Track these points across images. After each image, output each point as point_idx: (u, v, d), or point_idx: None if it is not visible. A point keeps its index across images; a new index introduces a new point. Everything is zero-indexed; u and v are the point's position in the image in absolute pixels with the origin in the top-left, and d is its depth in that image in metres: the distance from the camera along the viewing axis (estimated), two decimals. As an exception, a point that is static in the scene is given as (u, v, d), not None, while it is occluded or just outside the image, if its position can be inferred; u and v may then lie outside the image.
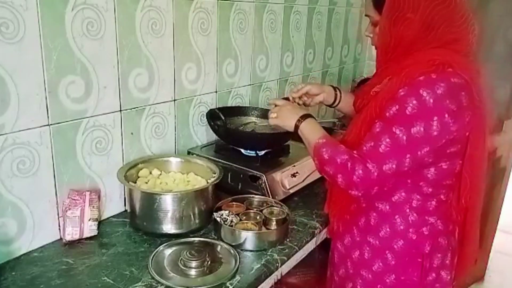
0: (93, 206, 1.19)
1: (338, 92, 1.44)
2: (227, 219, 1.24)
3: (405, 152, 0.97)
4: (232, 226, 1.21)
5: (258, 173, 1.38)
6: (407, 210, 1.09)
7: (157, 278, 1.03)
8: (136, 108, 1.35)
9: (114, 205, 1.35)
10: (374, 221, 1.13)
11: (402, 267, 1.11)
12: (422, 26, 0.99)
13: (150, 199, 1.21)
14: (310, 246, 1.33)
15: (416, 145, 0.97)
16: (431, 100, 0.94)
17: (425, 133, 0.95)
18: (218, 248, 1.18)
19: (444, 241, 1.12)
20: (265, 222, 1.25)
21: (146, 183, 1.32)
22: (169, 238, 1.20)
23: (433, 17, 0.98)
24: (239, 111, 1.70)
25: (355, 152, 1.02)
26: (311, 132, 1.16)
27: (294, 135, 1.22)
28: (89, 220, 1.18)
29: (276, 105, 1.29)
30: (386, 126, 0.99)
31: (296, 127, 1.18)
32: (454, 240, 1.16)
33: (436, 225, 1.10)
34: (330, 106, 1.48)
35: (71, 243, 1.18)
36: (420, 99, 0.95)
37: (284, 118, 1.23)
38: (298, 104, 1.41)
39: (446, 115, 0.95)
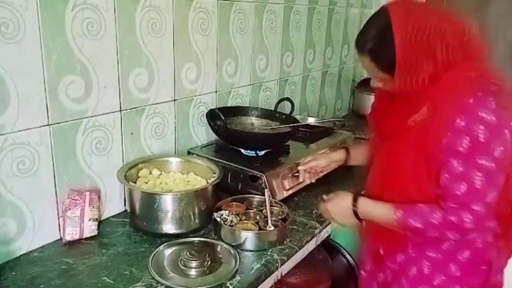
0: (93, 206, 1.19)
1: (347, 154, 1.39)
2: (227, 219, 1.24)
3: (498, 175, 0.96)
4: (232, 226, 1.21)
5: (258, 173, 1.38)
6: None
7: (157, 278, 1.03)
8: (136, 108, 1.35)
9: (114, 205, 1.35)
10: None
11: (467, 277, 1.08)
12: (441, 61, 0.96)
13: (150, 199, 1.21)
14: (310, 246, 1.33)
15: (504, 163, 0.95)
16: (494, 118, 0.92)
17: (505, 148, 0.94)
18: (218, 248, 1.18)
19: (502, 244, 1.09)
20: (265, 222, 1.25)
21: (146, 183, 1.32)
22: (169, 238, 1.20)
23: (453, 45, 0.96)
24: (239, 111, 1.70)
25: (450, 202, 0.98)
26: (378, 212, 1.09)
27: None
28: (89, 220, 1.18)
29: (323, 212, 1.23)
30: (469, 161, 0.95)
31: (356, 214, 1.12)
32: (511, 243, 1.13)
33: (496, 230, 1.05)
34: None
35: (71, 243, 1.18)
36: (483, 121, 0.92)
37: (341, 217, 1.18)
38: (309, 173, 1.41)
39: (511, 122, 0.95)
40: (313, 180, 1.44)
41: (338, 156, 1.40)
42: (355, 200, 1.12)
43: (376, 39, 1.00)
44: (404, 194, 1.05)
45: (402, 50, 0.96)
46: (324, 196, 1.23)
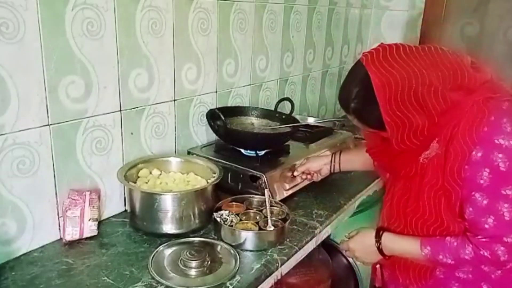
0: (93, 206, 1.19)
1: (334, 158, 1.41)
2: (227, 219, 1.24)
3: None
4: (232, 226, 1.21)
5: (258, 173, 1.38)
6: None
7: (157, 278, 1.03)
8: (136, 108, 1.35)
9: (114, 205, 1.35)
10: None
11: None
12: (437, 110, 0.92)
13: (150, 199, 1.21)
14: (310, 246, 1.32)
15: None
16: (511, 142, 0.90)
17: None
18: (218, 248, 1.18)
19: None
20: (265, 222, 1.25)
21: (146, 183, 1.32)
22: (169, 238, 1.20)
23: (441, 97, 0.91)
24: (239, 111, 1.70)
25: (479, 236, 0.95)
26: (404, 248, 1.06)
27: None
28: (89, 220, 1.18)
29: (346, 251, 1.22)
30: (493, 193, 0.92)
31: (380, 250, 1.10)
32: None
33: None
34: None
35: (71, 243, 1.18)
36: (501, 148, 0.90)
37: (365, 255, 1.16)
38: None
39: None
40: (311, 180, 1.44)
41: (327, 159, 1.41)
42: (378, 236, 1.10)
43: (358, 100, 0.96)
44: (426, 229, 1.03)
45: (387, 111, 0.92)
46: (346, 234, 1.22)
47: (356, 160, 1.38)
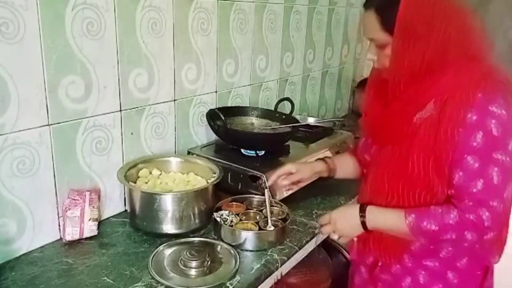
0: (93, 206, 1.19)
1: (327, 165, 1.35)
2: (227, 219, 1.24)
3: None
4: (232, 226, 1.21)
5: (258, 173, 1.38)
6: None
7: (157, 278, 1.03)
8: (136, 108, 1.35)
9: (114, 205, 1.35)
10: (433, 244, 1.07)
11: (464, 284, 1.07)
12: (442, 40, 0.94)
13: (150, 199, 1.21)
14: (310, 246, 1.32)
15: None
16: (504, 112, 0.92)
17: None
18: (218, 248, 1.18)
19: (496, 248, 1.06)
20: (265, 222, 1.25)
21: (146, 183, 1.32)
22: (169, 238, 1.20)
23: (450, 28, 0.94)
24: (239, 111, 1.69)
25: (466, 201, 0.95)
26: (388, 219, 1.04)
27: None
28: (89, 220, 1.18)
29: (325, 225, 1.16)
30: (484, 156, 0.93)
31: (364, 224, 1.07)
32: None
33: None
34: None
35: (71, 243, 1.18)
36: (495, 115, 0.91)
37: (348, 232, 1.12)
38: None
39: None
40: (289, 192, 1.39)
41: (319, 167, 1.35)
42: (362, 211, 1.07)
43: None
44: (416, 199, 1.01)
45: (404, 10, 0.94)
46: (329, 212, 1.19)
47: (347, 166, 1.36)
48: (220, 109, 1.56)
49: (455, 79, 0.96)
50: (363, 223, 1.07)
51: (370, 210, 1.07)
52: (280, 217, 1.27)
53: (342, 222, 1.12)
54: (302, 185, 1.41)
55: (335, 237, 1.14)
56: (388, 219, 1.04)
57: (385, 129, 1.09)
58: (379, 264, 1.16)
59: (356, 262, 1.25)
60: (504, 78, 0.97)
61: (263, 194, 1.30)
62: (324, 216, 1.17)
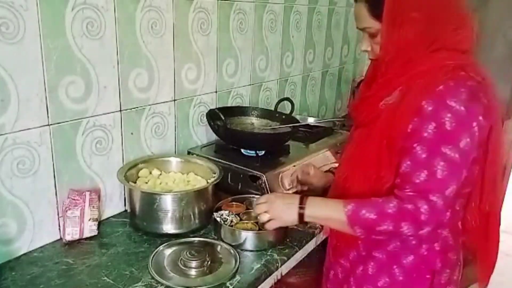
0: (93, 206, 1.19)
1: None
2: (227, 219, 1.24)
3: (461, 168, 0.92)
4: (232, 226, 1.21)
5: (258, 173, 1.38)
6: None
7: (157, 278, 1.03)
8: (136, 108, 1.35)
9: (114, 205, 1.35)
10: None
11: (410, 283, 1.05)
12: (427, 24, 0.94)
13: (150, 199, 1.21)
14: (310, 246, 1.32)
15: (468, 157, 0.92)
16: (462, 108, 0.89)
17: (472, 141, 0.91)
18: (218, 248, 1.18)
19: (453, 256, 1.06)
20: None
21: (146, 183, 1.32)
22: (169, 238, 1.20)
23: (437, 14, 0.93)
24: (239, 111, 1.69)
25: (407, 190, 0.93)
26: (325, 207, 1.03)
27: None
28: (89, 220, 1.18)
29: (261, 203, 1.11)
30: (433, 148, 0.91)
31: (301, 216, 1.04)
32: (462, 254, 1.10)
33: (448, 239, 1.04)
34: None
35: (71, 243, 1.18)
36: (451, 110, 0.89)
37: (281, 215, 1.07)
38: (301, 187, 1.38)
39: (481, 117, 0.91)
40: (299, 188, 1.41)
41: (330, 181, 1.31)
42: (303, 202, 1.04)
43: None
44: (365, 182, 1.01)
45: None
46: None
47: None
48: (220, 109, 1.56)
49: (425, 68, 0.95)
50: (301, 215, 1.04)
51: (311, 202, 1.04)
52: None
53: (279, 205, 1.08)
54: (303, 188, 1.42)
55: (264, 218, 1.08)
56: (326, 210, 1.02)
57: (359, 112, 1.10)
58: (339, 249, 1.17)
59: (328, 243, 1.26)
60: (480, 75, 0.94)
61: (263, 194, 1.30)
62: (263, 195, 1.15)
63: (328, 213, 1.02)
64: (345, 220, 0.97)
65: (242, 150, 1.53)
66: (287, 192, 1.42)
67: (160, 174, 1.38)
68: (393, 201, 0.94)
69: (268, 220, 1.09)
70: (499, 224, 1.09)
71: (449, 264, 1.06)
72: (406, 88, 0.96)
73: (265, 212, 1.08)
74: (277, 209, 1.08)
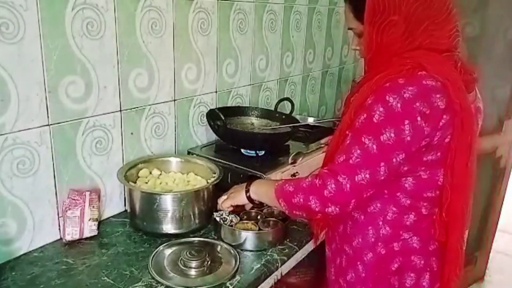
0: (93, 206, 1.19)
1: None
2: (227, 219, 1.24)
3: (378, 160, 0.93)
4: (232, 226, 1.21)
5: (258, 173, 1.38)
6: (380, 223, 1.05)
7: (157, 278, 1.03)
8: (136, 108, 1.35)
9: (114, 205, 1.35)
10: (350, 229, 1.10)
11: (372, 282, 1.08)
12: (406, 27, 0.95)
13: (150, 199, 1.21)
14: (310, 246, 1.32)
15: (390, 152, 0.93)
16: (399, 105, 0.90)
17: (397, 138, 0.91)
18: (218, 248, 1.18)
19: (419, 260, 1.05)
20: (266, 222, 1.25)
21: (146, 183, 1.32)
22: (169, 238, 1.20)
23: (417, 16, 0.94)
24: (239, 111, 1.69)
25: (325, 168, 0.99)
26: (265, 185, 1.14)
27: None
28: (89, 220, 1.18)
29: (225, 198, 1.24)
30: (356, 136, 0.95)
31: (247, 192, 1.16)
32: (436, 261, 1.07)
33: (411, 242, 1.04)
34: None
35: (71, 243, 1.18)
36: (386, 105, 0.91)
37: (234, 194, 1.20)
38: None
39: (419, 118, 0.90)
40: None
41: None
42: (249, 184, 1.16)
43: None
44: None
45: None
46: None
47: None
48: (220, 109, 1.56)
49: (388, 66, 0.97)
50: (247, 192, 1.16)
51: (255, 183, 1.16)
52: (280, 217, 1.27)
53: (236, 188, 1.21)
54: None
55: (222, 198, 1.23)
56: (264, 188, 1.12)
57: (343, 107, 1.16)
58: (327, 237, 1.23)
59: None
60: (445, 76, 0.93)
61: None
62: (224, 196, 1.25)
63: (265, 190, 1.11)
64: (274, 193, 1.06)
65: (242, 150, 1.53)
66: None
67: (160, 174, 1.38)
68: (309, 177, 1.02)
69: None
70: (462, 239, 1.05)
71: (413, 268, 1.06)
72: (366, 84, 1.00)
73: (225, 194, 1.23)
74: (232, 191, 1.22)
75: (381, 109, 0.92)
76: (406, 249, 1.05)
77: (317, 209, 0.98)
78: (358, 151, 0.94)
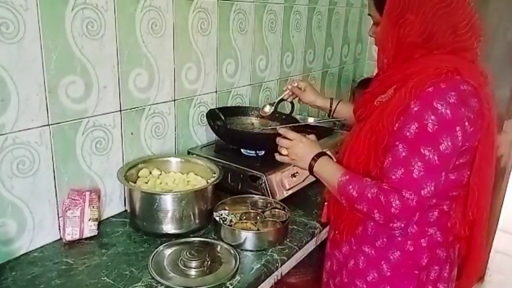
0: (93, 206, 1.19)
1: (333, 105, 1.47)
2: (227, 218, 1.24)
3: (440, 171, 0.93)
4: (231, 225, 1.21)
5: (258, 173, 1.38)
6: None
7: (157, 278, 1.03)
8: (136, 108, 1.35)
9: (114, 205, 1.35)
10: (371, 230, 1.09)
11: (398, 279, 1.07)
12: (424, 30, 0.94)
13: (150, 199, 1.21)
14: (310, 246, 1.33)
15: (449, 161, 0.94)
16: (448, 111, 0.90)
17: (453, 146, 0.91)
18: (218, 248, 1.18)
19: (442, 253, 1.07)
20: (265, 222, 1.25)
21: (146, 183, 1.32)
22: (169, 238, 1.20)
23: (435, 21, 0.94)
24: (239, 111, 1.69)
25: (384, 183, 0.96)
26: (330, 171, 1.08)
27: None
28: (89, 220, 1.18)
29: (285, 138, 1.18)
30: (412, 148, 0.93)
31: (311, 167, 1.11)
32: (453, 252, 1.11)
33: (435, 236, 1.06)
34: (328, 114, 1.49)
35: (71, 243, 1.18)
36: (436, 112, 0.90)
37: (296, 158, 1.15)
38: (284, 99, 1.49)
39: (466, 123, 0.92)
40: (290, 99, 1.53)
41: (322, 103, 1.47)
42: (317, 156, 1.12)
43: None
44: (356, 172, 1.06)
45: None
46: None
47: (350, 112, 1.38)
48: (220, 109, 1.56)
49: (420, 69, 0.96)
50: (311, 166, 1.12)
51: (322, 161, 1.11)
52: (280, 217, 1.27)
53: (301, 148, 1.15)
54: (301, 183, 1.42)
55: (283, 152, 1.17)
56: (329, 173, 1.09)
57: (358, 107, 1.14)
58: (335, 241, 1.20)
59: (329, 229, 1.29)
60: (477, 81, 0.94)
61: (263, 194, 1.31)
62: (293, 133, 1.19)
63: (329, 175, 1.08)
64: (336, 188, 1.04)
65: (242, 150, 1.53)
66: (286, 190, 1.42)
67: (160, 174, 1.38)
68: (375, 188, 0.97)
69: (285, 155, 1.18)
70: (485, 235, 1.09)
71: (438, 261, 1.08)
72: (399, 87, 0.98)
73: (286, 148, 1.17)
74: (297, 151, 1.15)
75: (432, 117, 0.90)
76: (433, 243, 1.06)
77: (381, 222, 0.97)
78: (419, 164, 0.92)
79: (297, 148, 1.16)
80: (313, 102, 1.48)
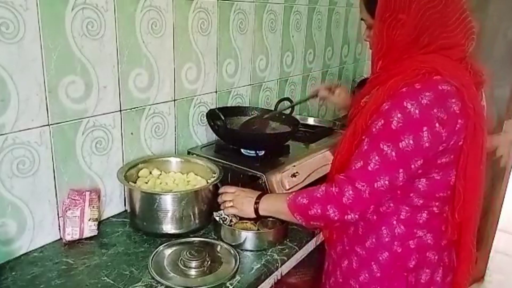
0: (93, 206, 1.19)
1: None
2: (227, 218, 1.24)
3: (396, 167, 0.94)
4: (231, 226, 1.21)
5: (258, 173, 1.38)
6: (394, 222, 1.05)
7: (157, 278, 1.03)
8: (136, 108, 1.35)
9: (114, 205, 1.35)
10: (362, 230, 1.09)
11: (388, 280, 1.07)
12: (414, 28, 0.94)
13: (150, 199, 1.21)
14: (310, 246, 1.33)
15: (408, 159, 0.93)
16: (417, 111, 0.90)
17: (416, 145, 0.91)
18: (218, 248, 1.18)
19: (433, 256, 1.06)
20: (265, 222, 1.25)
21: (146, 183, 1.32)
22: (169, 238, 1.20)
23: (426, 19, 0.93)
24: (239, 111, 1.69)
25: (342, 174, 0.99)
26: (275, 200, 1.15)
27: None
28: (89, 220, 1.18)
29: (226, 193, 1.25)
30: (373, 143, 0.95)
31: (256, 209, 1.17)
32: (448, 256, 1.10)
33: (425, 239, 1.05)
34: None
35: (71, 243, 1.18)
36: (404, 111, 0.91)
37: (242, 206, 1.20)
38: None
39: (437, 124, 0.91)
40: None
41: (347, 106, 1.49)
42: (259, 197, 1.17)
43: None
44: (340, 173, 1.06)
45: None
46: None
47: None
48: (220, 109, 1.56)
49: (401, 70, 0.97)
50: (256, 209, 1.17)
51: (265, 198, 1.17)
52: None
53: (242, 197, 1.21)
54: (301, 183, 1.42)
55: (228, 204, 1.22)
56: (276, 204, 1.13)
57: (350, 108, 1.17)
58: (330, 241, 1.22)
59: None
60: (460, 81, 0.93)
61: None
62: (232, 186, 1.27)
63: (277, 206, 1.12)
64: (287, 208, 1.06)
65: (242, 150, 1.53)
66: (287, 191, 1.42)
67: (160, 174, 1.38)
68: (322, 187, 1.02)
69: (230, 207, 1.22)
70: (474, 237, 1.08)
71: (428, 264, 1.07)
72: (379, 87, 1.00)
73: (230, 200, 1.22)
74: (240, 201, 1.21)
75: (399, 115, 0.92)
76: (422, 246, 1.06)
77: (336, 218, 0.99)
78: (377, 158, 0.94)
79: (240, 198, 1.21)
80: (345, 107, 1.53)
